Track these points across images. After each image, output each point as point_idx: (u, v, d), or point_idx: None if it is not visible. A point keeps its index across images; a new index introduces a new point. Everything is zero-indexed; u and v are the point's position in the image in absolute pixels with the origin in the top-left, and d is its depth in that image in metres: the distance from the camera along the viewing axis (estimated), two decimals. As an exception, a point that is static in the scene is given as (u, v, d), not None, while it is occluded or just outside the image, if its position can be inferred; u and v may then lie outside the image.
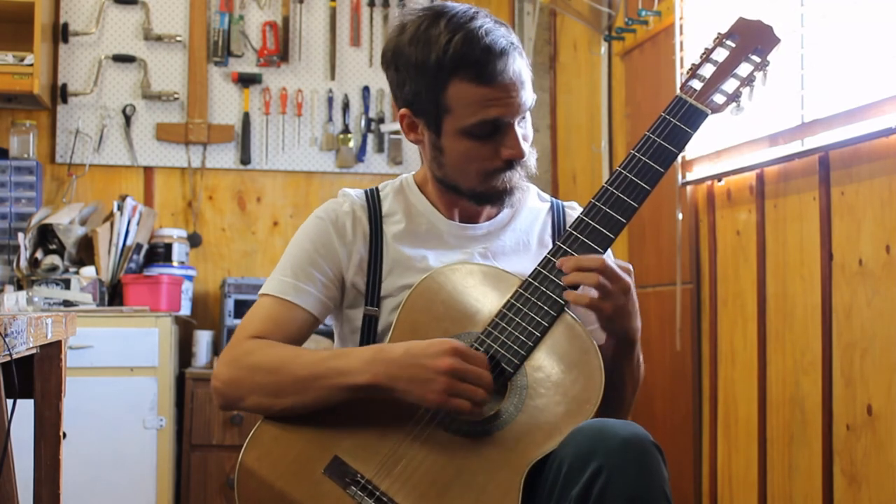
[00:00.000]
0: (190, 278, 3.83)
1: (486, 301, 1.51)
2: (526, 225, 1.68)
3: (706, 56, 1.54)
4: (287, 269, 1.63)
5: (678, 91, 1.54)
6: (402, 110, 1.61)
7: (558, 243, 1.50)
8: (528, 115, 1.59)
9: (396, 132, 4.12)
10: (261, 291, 1.64)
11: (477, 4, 1.61)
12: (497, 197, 1.60)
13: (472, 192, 1.61)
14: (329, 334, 3.64)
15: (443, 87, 1.52)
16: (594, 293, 1.46)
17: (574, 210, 1.72)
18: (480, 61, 1.50)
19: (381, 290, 1.62)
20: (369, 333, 1.62)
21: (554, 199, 1.74)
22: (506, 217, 1.67)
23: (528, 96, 1.56)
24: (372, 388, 1.46)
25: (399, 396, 1.45)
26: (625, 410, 1.61)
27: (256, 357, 1.54)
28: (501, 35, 1.52)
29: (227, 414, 3.52)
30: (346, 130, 4.11)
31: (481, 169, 1.57)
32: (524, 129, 1.58)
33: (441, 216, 1.66)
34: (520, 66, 1.53)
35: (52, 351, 1.84)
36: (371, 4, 4.16)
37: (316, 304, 1.62)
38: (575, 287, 1.48)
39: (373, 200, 1.67)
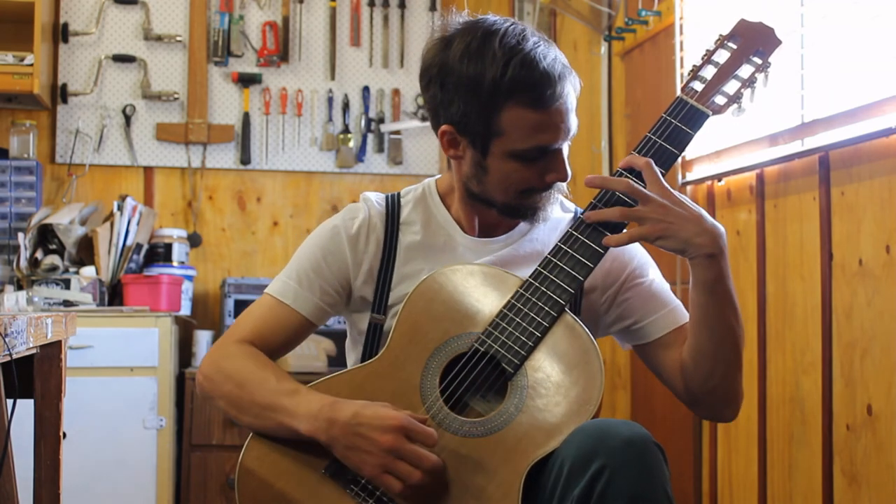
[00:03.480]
0: (190, 278, 3.83)
1: (487, 301, 1.51)
2: (544, 235, 1.66)
3: (707, 57, 1.54)
4: (293, 272, 1.64)
5: (679, 92, 1.54)
6: (445, 127, 1.56)
7: (558, 244, 1.50)
8: None
9: (396, 132, 4.12)
10: (266, 290, 1.65)
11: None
12: (531, 212, 1.60)
13: (505, 207, 1.59)
14: (329, 334, 3.66)
15: (497, 110, 1.49)
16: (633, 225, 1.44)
17: None
18: (539, 86, 1.47)
19: (389, 300, 1.62)
20: (374, 338, 1.63)
21: (578, 209, 1.71)
22: (524, 227, 1.65)
23: (574, 120, 1.55)
24: (312, 439, 1.46)
25: (336, 457, 1.45)
26: (739, 353, 1.54)
27: (232, 365, 1.56)
28: (555, 58, 1.51)
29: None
30: (346, 130, 4.11)
31: (522, 188, 1.56)
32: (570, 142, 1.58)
33: (459, 230, 1.64)
34: (571, 90, 1.52)
35: (52, 351, 1.84)
36: (371, 4, 4.16)
37: (314, 310, 1.62)
38: (614, 230, 1.47)
39: (393, 207, 1.66)
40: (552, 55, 1.50)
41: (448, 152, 1.60)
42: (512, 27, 1.51)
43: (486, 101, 1.49)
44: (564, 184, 1.59)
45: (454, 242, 1.64)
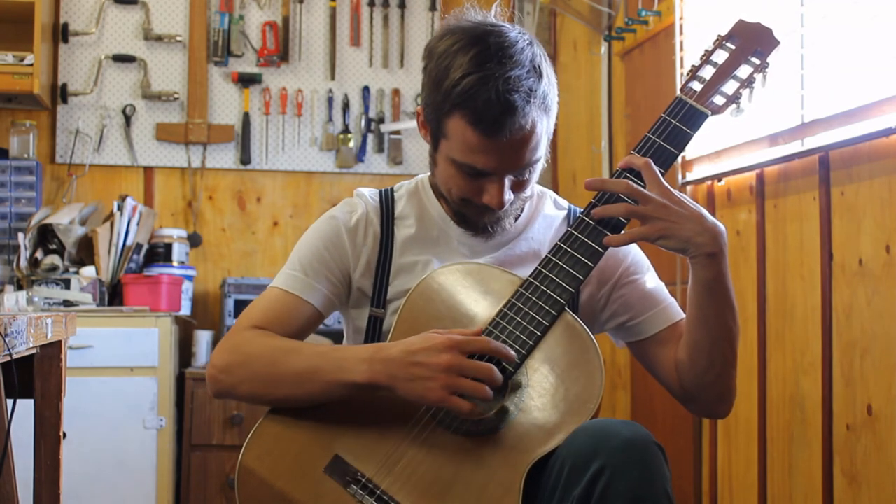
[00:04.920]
0: (190, 278, 3.84)
1: (487, 301, 1.51)
2: (540, 234, 1.67)
3: (706, 58, 1.54)
4: (296, 263, 1.63)
5: (678, 92, 1.54)
6: (419, 108, 1.61)
7: (558, 243, 1.50)
8: (537, 165, 1.55)
9: (396, 132, 4.12)
10: (271, 285, 1.64)
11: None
12: (472, 226, 1.61)
13: (453, 210, 1.62)
14: (328, 334, 3.66)
15: (446, 114, 1.50)
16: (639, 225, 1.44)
17: None
18: (481, 111, 1.45)
19: (388, 293, 1.63)
20: (374, 334, 1.63)
21: (572, 206, 1.72)
22: (520, 226, 1.66)
23: (530, 155, 1.51)
24: (371, 387, 1.45)
25: (400, 395, 1.44)
26: (734, 351, 1.55)
27: (256, 346, 1.54)
28: (523, 89, 1.45)
29: (227, 414, 3.53)
30: (346, 130, 4.11)
31: (461, 196, 1.56)
32: (522, 176, 1.54)
33: (453, 223, 1.65)
34: (529, 125, 1.47)
35: (52, 351, 1.84)
36: (371, 4, 4.16)
37: (322, 300, 1.62)
38: (614, 230, 1.47)
39: (386, 202, 1.67)
40: (523, 85, 1.46)
41: (420, 132, 1.63)
42: (504, 46, 1.48)
43: (439, 102, 1.50)
44: (519, 204, 1.59)
45: (447, 236, 1.65)
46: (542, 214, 1.68)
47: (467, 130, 1.48)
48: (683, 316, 1.63)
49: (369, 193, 1.69)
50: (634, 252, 1.67)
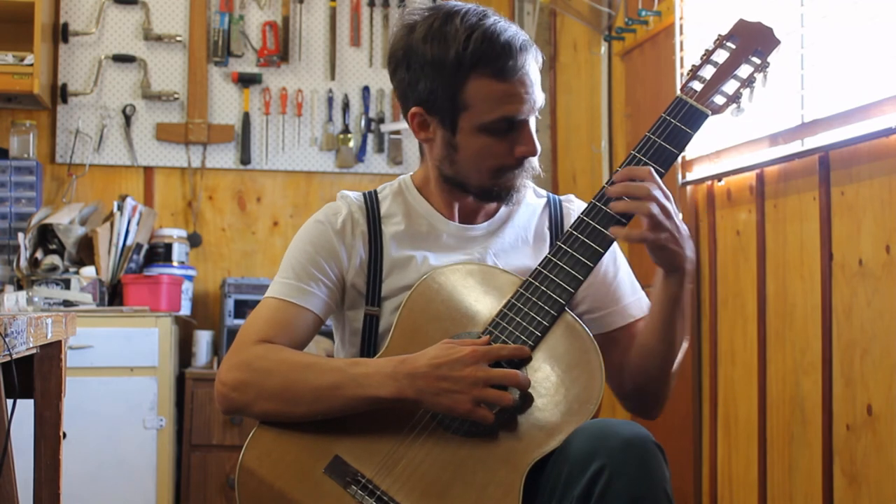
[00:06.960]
0: (190, 278, 3.84)
1: (487, 301, 1.51)
2: (524, 221, 1.69)
3: (706, 57, 1.54)
4: (289, 271, 1.62)
5: (678, 92, 1.54)
6: (414, 109, 1.59)
7: (558, 243, 1.50)
8: (537, 115, 1.61)
9: (396, 132, 4.12)
10: (266, 295, 1.63)
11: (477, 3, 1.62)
12: (505, 194, 1.61)
13: (479, 189, 1.61)
14: (329, 334, 3.66)
15: (461, 83, 1.52)
16: (644, 222, 1.45)
17: (571, 203, 1.73)
18: (501, 57, 1.51)
19: (382, 291, 1.62)
20: (370, 334, 1.62)
21: (550, 194, 1.74)
22: (504, 214, 1.68)
23: (540, 94, 1.58)
24: (395, 402, 1.45)
25: (424, 408, 1.45)
26: (678, 360, 1.58)
27: (269, 362, 1.53)
28: (516, 32, 1.54)
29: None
30: (346, 130, 4.11)
31: (494, 166, 1.57)
32: (534, 126, 1.60)
33: (440, 217, 1.66)
34: (533, 63, 1.55)
35: (52, 351, 1.84)
36: (371, 4, 4.16)
37: (320, 304, 1.61)
38: (621, 224, 1.48)
39: (371, 202, 1.67)
40: (513, 30, 1.54)
41: (419, 136, 1.62)
42: (474, 8, 1.55)
43: (450, 75, 1.52)
44: (536, 160, 1.61)
45: (437, 230, 1.65)
46: (525, 203, 1.71)
47: (491, 84, 1.52)
48: (639, 316, 1.65)
49: (353, 195, 1.70)
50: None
